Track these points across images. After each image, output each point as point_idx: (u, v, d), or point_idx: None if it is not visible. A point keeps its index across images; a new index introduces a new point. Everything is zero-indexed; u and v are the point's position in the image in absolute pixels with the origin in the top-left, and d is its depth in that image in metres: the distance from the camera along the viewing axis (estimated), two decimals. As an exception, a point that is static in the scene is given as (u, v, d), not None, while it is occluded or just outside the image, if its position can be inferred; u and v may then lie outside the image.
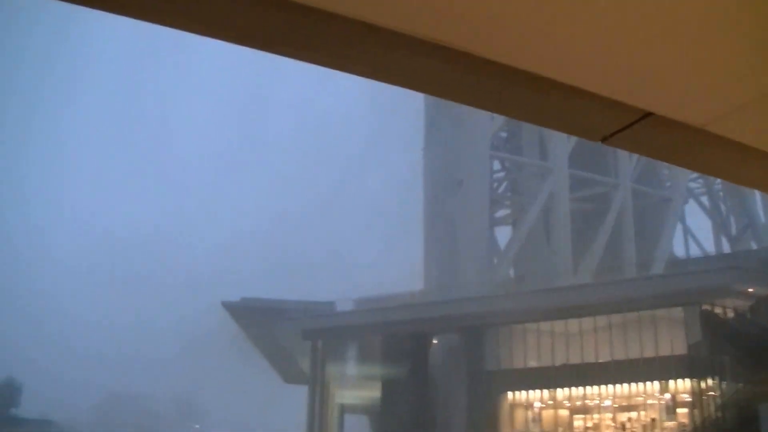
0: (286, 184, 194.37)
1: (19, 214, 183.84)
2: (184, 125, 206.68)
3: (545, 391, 56.24)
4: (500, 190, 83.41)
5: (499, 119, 69.82)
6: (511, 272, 75.28)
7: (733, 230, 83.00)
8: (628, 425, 53.49)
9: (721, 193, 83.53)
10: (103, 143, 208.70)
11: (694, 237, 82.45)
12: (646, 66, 2.42)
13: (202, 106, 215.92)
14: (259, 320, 66.49)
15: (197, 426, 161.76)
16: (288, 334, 66.42)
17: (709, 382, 50.08)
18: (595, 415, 55.00)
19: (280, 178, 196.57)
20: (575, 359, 54.99)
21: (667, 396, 52.15)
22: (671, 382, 51.77)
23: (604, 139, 2.81)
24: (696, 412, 50.08)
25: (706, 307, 50.84)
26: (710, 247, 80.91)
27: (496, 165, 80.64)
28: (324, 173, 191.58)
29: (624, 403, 53.91)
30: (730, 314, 50.85)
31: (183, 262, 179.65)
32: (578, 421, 55.53)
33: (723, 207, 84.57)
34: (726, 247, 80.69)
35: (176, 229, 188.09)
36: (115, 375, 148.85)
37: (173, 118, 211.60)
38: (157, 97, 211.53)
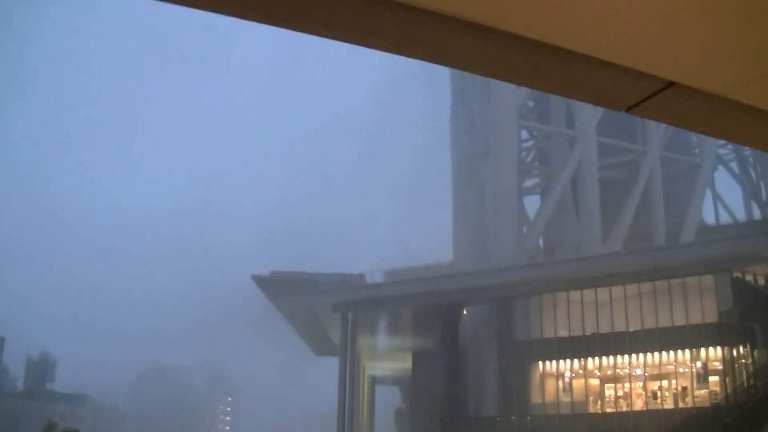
0: (314, 157, 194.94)
1: (49, 194, 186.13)
2: (211, 102, 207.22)
3: (576, 361, 56.17)
4: (528, 159, 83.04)
5: (525, 88, 68.86)
6: (541, 242, 75.04)
7: (764, 196, 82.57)
8: (659, 394, 53.35)
9: (751, 159, 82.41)
10: (131, 121, 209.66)
11: (724, 204, 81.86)
12: (669, 35, 2.43)
13: (229, 83, 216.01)
14: (290, 293, 66.46)
15: (229, 399, 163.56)
16: (319, 307, 66.69)
17: (741, 349, 50.02)
18: (626, 384, 54.81)
19: (307, 151, 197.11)
20: (605, 328, 54.86)
21: (698, 364, 52.09)
22: (702, 350, 51.68)
23: (629, 109, 2.81)
24: (728, 380, 49.82)
25: (736, 274, 50.79)
26: (740, 214, 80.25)
27: (524, 134, 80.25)
28: (350, 146, 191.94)
29: (655, 372, 53.72)
30: (761, 281, 51.08)
31: (212, 237, 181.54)
32: (609, 391, 55.36)
33: (753, 173, 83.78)
34: (757, 214, 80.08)
35: (204, 206, 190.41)
36: (148, 350, 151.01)
37: (201, 96, 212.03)
38: (184, 75, 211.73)
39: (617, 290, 54.68)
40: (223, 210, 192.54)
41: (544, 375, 57.46)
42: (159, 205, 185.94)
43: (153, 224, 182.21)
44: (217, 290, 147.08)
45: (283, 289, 67.13)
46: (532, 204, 78.16)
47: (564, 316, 56.98)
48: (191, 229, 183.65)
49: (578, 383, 56.34)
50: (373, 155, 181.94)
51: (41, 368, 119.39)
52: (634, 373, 54.62)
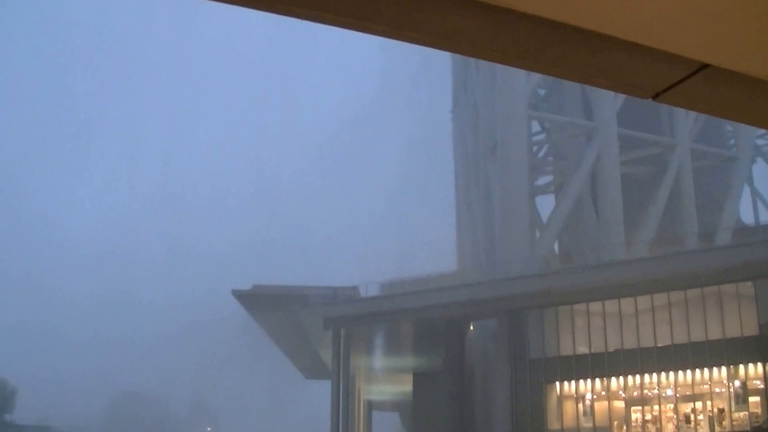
0: (298, 156, 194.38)
1: (13, 196, 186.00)
2: (189, 95, 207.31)
3: (597, 381, 55.58)
4: (540, 154, 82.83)
5: (537, 74, 67.93)
6: (556, 247, 74.97)
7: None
8: (692, 417, 52.53)
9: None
10: (97, 117, 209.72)
11: (763, 201, 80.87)
12: (703, 14, 2.42)
13: (207, 75, 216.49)
14: (275, 309, 66.24)
15: (209, 429, 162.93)
16: (307, 324, 66.53)
17: (785, 366, 50.51)
18: (655, 407, 54.04)
19: (291, 150, 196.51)
20: (631, 344, 54.42)
21: (737, 383, 51.05)
22: (741, 368, 50.77)
23: (656, 96, 2.87)
24: (770, 400, 50.67)
25: (779, 280, 51.26)
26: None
27: (535, 126, 79.66)
28: (339, 143, 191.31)
29: (687, 393, 52.89)
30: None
31: (188, 245, 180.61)
32: (636, 414, 54.64)
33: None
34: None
35: (177, 208, 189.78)
36: (119, 371, 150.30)
37: (178, 90, 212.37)
38: (169, 70, 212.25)
39: (644, 300, 54.34)
40: (198, 213, 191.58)
41: (561, 397, 56.90)
42: (129, 207, 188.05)
43: (122, 229, 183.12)
44: (194, 305, 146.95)
45: (267, 304, 66.79)
46: (545, 204, 78.23)
47: (584, 330, 56.70)
48: (164, 235, 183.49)
49: (601, 406, 55.62)
50: (364, 153, 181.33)
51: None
52: (663, 394, 53.87)
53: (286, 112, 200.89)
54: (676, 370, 52.87)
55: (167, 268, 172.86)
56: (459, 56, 73.15)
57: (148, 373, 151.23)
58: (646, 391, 54.33)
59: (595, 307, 56.19)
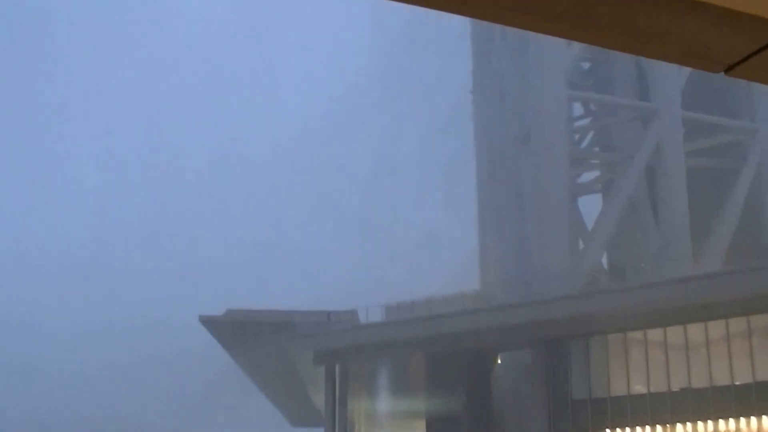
0: (284, 150, 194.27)
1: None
2: (175, 116, 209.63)
3: (659, 428, 54.45)
4: (584, 143, 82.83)
5: (578, 45, 68.81)
6: (604, 261, 74.59)
7: None
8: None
9: None
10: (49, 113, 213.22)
11: None
12: None
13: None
14: (252, 340, 65.87)
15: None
16: (294, 358, 66.21)
17: None
18: (735, 462, 54.45)
19: (273, 147, 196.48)
20: (700, 381, 53.83)
21: None
22: None
23: (729, 69, 2.83)
24: None
25: None
26: None
27: (577, 109, 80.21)
28: (329, 134, 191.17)
29: (775, 443, 52.98)
30: None
31: (148, 260, 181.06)
32: (710, 471, 55.33)
33: None
34: None
35: (131, 218, 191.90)
36: (68, 405, 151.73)
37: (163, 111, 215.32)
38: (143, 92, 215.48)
39: (717, 327, 53.49)
40: (158, 223, 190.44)
41: (614, 449, 58.22)
42: (74, 212, 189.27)
43: (68, 238, 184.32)
44: (153, 332, 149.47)
45: (243, 333, 66.28)
46: (590, 207, 78.19)
47: (640, 364, 56.00)
48: (116, 247, 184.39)
49: (664, 461, 56.96)
50: (361, 146, 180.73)
51: None
52: (744, 446, 54.54)
53: (263, 105, 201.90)
54: (758, 415, 51.32)
55: (127, 291, 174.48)
56: (480, 22, 73.28)
57: (101, 409, 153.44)
58: (721, 441, 55.13)
59: (655, 335, 55.71)
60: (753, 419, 52.03)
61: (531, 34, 62.43)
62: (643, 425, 55.09)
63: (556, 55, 68.89)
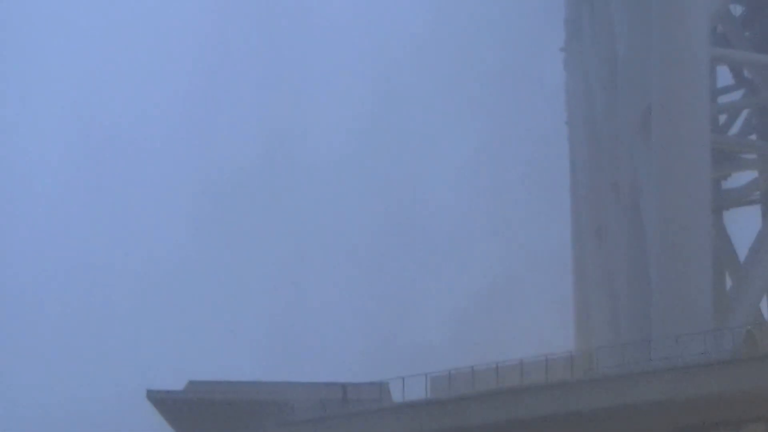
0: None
1: None
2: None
3: None
4: (734, 129, 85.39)
5: None
6: (766, 307, 76.50)
7: None
8: None
9: None
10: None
11: None
12: None
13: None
14: (223, 427, 67.76)
15: None
16: None
17: None
18: None
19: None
20: None
21: None
22: None
23: None
24: None
25: None
26: None
27: (724, 75, 78.81)
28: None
29: None
30: None
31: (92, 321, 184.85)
32: None
33: None
34: None
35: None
36: None
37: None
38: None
39: None
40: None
41: None
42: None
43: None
44: (88, 409, 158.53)
45: (210, 417, 68.12)
46: (742, 224, 77.49)
47: None
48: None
49: None
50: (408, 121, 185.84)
51: None
52: None
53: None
54: None
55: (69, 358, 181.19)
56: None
57: None
58: None
59: None
60: None
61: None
62: None
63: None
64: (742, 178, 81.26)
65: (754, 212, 78.98)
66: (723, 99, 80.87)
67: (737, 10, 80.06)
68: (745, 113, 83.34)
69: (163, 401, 68.77)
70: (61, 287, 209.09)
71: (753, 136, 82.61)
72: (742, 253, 74.95)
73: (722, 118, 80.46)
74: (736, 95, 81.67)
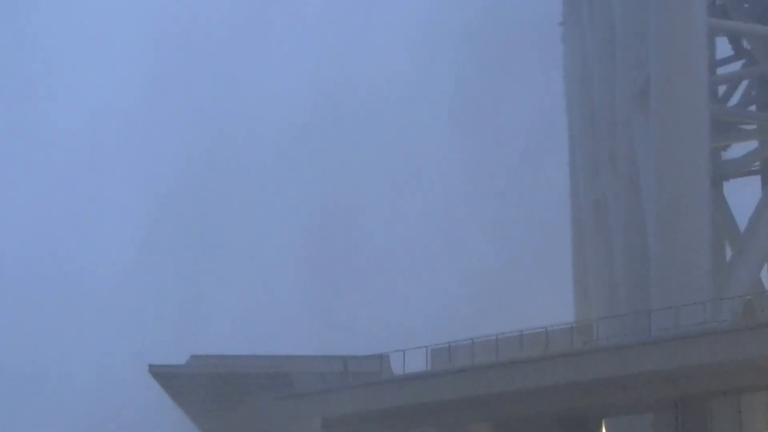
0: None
1: None
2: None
3: None
4: (734, 100, 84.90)
5: None
6: (766, 277, 77.18)
7: None
8: None
9: None
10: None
11: None
12: None
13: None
14: (226, 400, 67.85)
15: None
16: (292, 428, 67.29)
17: None
18: None
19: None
20: None
21: None
22: None
23: None
24: None
25: None
26: None
27: (723, 47, 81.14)
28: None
29: None
30: None
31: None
32: None
33: None
34: None
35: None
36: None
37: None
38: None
39: None
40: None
41: None
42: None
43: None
44: (96, 384, 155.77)
45: (213, 391, 68.16)
46: (741, 196, 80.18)
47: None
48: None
49: None
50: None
51: None
52: None
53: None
54: None
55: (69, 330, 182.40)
56: None
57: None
58: None
59: None
60: None
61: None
62: None
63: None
64: (741, 148, 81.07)
65: (754, 183, 79.18)
66: (722, 70, 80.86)
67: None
68: (744, 84, 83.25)
69: (165, 375, 68.99)
70: (60, 261, 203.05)
71: (752, 107, 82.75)
72: (742, 223, 75.04)
73: (722, 89, 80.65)
74: (735, 66, 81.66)
